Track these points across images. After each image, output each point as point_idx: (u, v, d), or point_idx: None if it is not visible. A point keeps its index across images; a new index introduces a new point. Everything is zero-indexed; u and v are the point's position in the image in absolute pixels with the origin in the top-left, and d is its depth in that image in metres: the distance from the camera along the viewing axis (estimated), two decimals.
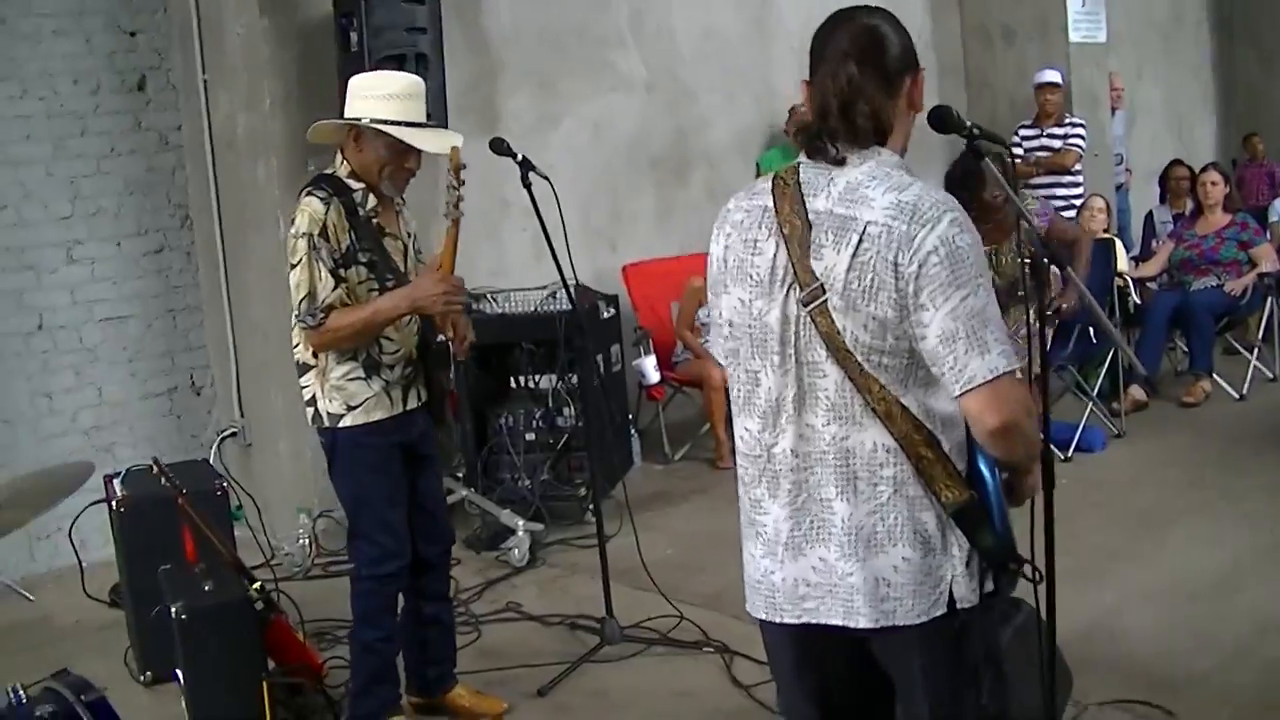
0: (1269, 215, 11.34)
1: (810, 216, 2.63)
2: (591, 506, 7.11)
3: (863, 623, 2.69)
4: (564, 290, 5.45)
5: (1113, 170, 11.75)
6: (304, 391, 4.59)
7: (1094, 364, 8.61)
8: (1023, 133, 10.56)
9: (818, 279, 2.60)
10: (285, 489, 7.12)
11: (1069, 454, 7.91)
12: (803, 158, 2.73)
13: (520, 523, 6.85)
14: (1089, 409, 8.27)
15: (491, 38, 8.48)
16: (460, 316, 4.70)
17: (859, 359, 2.60)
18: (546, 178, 5.12)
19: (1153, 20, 13.65)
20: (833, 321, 2.60)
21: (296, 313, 4.42)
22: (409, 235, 4.69)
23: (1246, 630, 5.32)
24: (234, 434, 7.44)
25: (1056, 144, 10.42)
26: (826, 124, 2.67)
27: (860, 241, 2.57)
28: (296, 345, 4.59)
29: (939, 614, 2.68)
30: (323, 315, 4.37)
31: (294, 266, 4.40)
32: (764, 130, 10.23)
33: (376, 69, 5.81)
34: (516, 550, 6.74)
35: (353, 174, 4.49)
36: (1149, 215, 11.72)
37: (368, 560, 4.59)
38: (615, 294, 8.13)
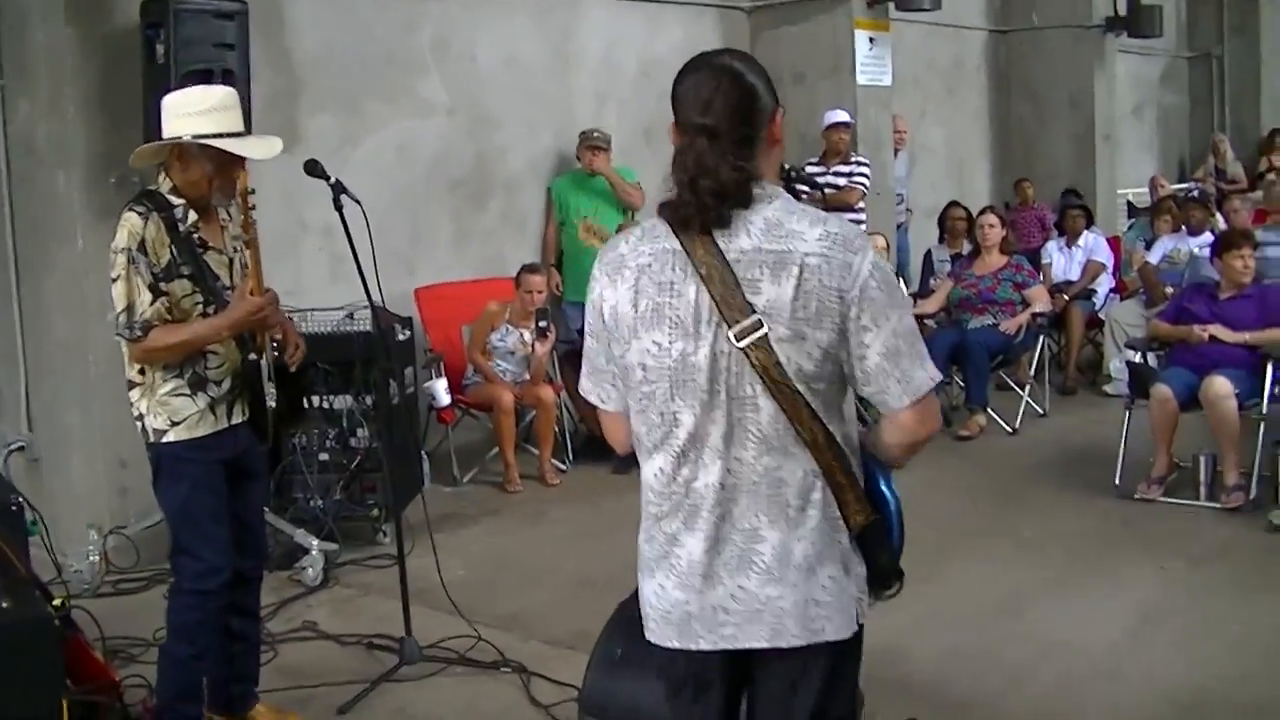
0: (1042, 257, 11.85)
1: (730, 256, 2.70)
2: (383, 528, 7.23)
3: (795, 641, 2.80)
4: (369, 312, 5.51)
5: (894, 209, 12.17)
6: (132, 408, 4.58)
7: None
8: (809, 169, 10.84)
9: (755, 313, 2.67)
10: (74, 505, 6.98)
11: None
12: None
13: (314, 542, 6.86)
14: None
15: (295, 57, 8.48)
16: (285, 326, 4.80)
17: (799, 388, 2.70)
18: (358, 201, 5.19)
19: (936, 66, 14.17)
20: (770, 353, 2.67)
21: (116, 326, 4.42)
22: (234, 248, 4.69)
23: (1028, 653, 5.61)
24: (21, 448, 7.26)
25: (841, 181, 10.75)
26: (707, 189, 2.70)
27: (801, 273, 2.67)
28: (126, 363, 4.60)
29: (853, 630, 2.85)
30: (141, 331, 4.37)
31: (114, 280, 4.39)
32: (559, 157, 10.36)
33: (182, 83, 5.80)
34: (310, 569, 6.74)
35: (174, 190, 4.51)
36: (928, 254, 12.19)
37: (190, 575, 4.57)
38: (409, 316, 8.15)
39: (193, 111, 4.45)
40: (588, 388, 3.02)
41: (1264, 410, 7.68)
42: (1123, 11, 14.95)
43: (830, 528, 2.80)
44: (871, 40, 11.73)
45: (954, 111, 14.71)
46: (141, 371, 4.53)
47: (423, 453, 8.23)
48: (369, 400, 7.29)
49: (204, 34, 6.58)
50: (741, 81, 2.77)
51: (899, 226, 12.44)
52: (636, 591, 3.30)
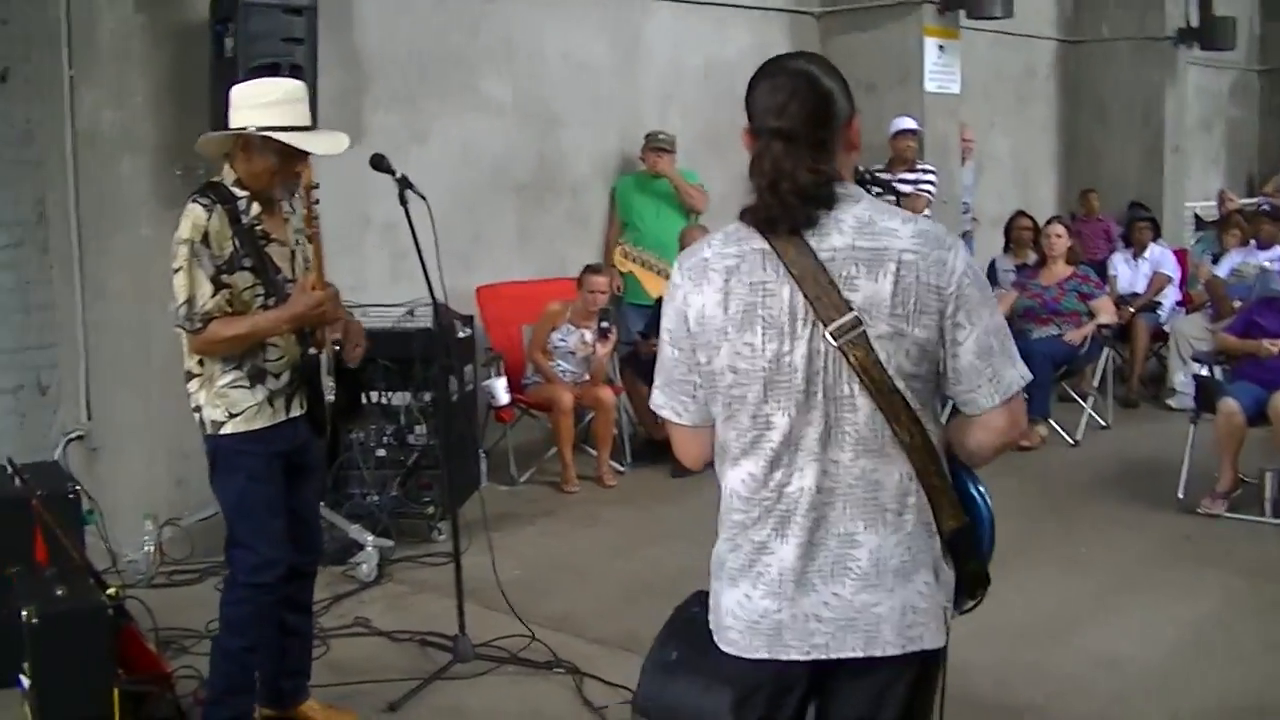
0: (1108, 269, 11.74)
1: (822, 255, 2.66)
2: (439, 525, 7.21)
3: (890, 650, 2.73)
4: (430, 308, 5.50)
5: (960, 218, 12.06)
6: (190, 399, 4.59)
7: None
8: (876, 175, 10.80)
9: (853, 311, 2.64)
10: (132, 495, 6.99)
11: None
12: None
13: (369, 538, 6.85)
14: None
15: (363, 54, 8.50)
16: (349, 323, 4.80)
17: (899, 385, 2.66)
18: (423, 196, 5.18)
19: (1004, 75, 14.05)
20: (869, 351, 2.63)
21: (176, 317, 4.43)
22: (296, 241, 4.69)
23: (1086, 666, 5.56)
24: (80, 437, 7.30)
25: (907, 189, 10.63)
26: (788, 191, 2.67)
27: (899, 269, 2.64)
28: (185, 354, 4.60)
29: (945, 639, 2.80)
30: (201, 323, 4.38)
31: (176, 272, 4.40)
32: (624, 158, 10.34)
33: (250, 76, 5.81)
34: (365, 565, 6.74)
35: (238, 182, 4.51)
36: (992, 263, 12.07)
37: (246, 568, 4.57)
38: (470, 314, 8.15)
39: (260, 103, 4.45)
40: (660, 401, 2.93)
41: None
42: (1195, 23, 14.79)
43: (925, 532, 2.75)
44: (941, 48, 11.64)
45: (1021, 121, 14.58)
46: (200, 363, 4.53)
47: (480, 451, 8.23)
48: (428, 397, 7.29)
49: (272, 28, 6.60)
50: (818, 85, 2.73)
51: (964, 235, 12.32)
52: (695, 595, 3.28)
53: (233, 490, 4.59)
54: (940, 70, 11.67)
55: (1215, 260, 11.33)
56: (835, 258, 2.65)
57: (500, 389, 8.25)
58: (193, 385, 4.57)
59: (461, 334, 7.61)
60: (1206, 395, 8.10)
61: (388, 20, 8.66)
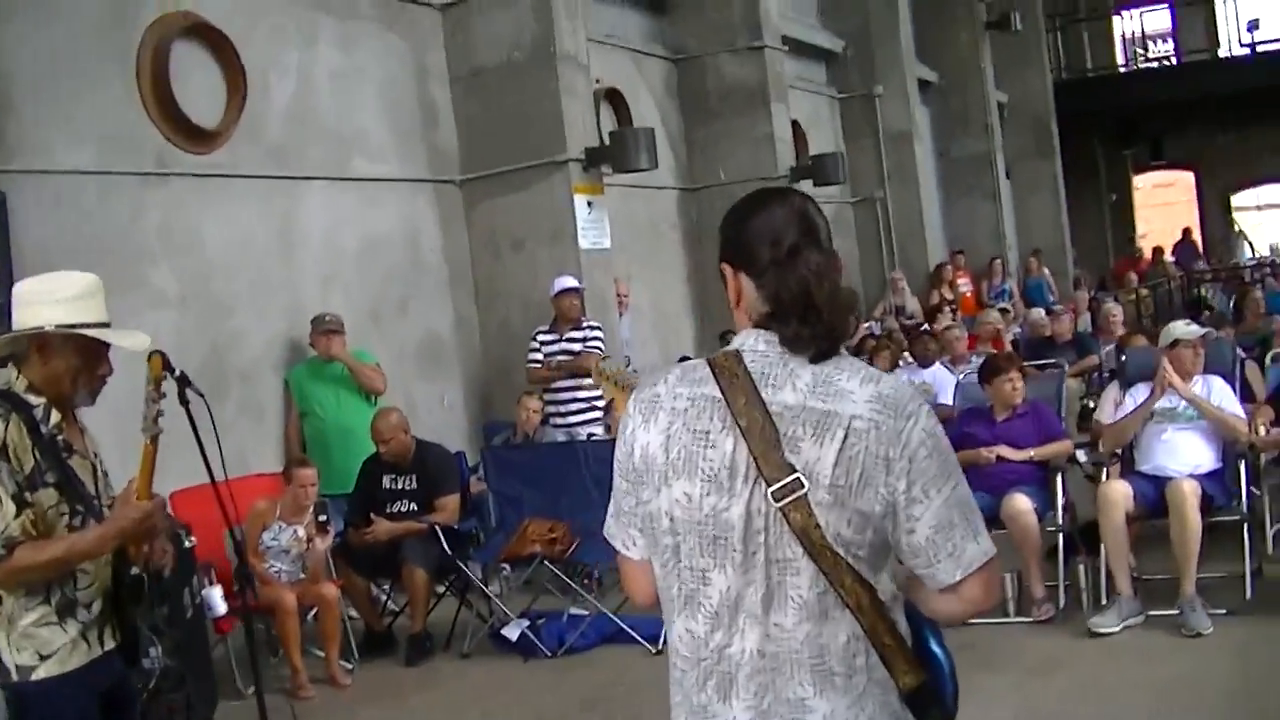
0: None
1: (773, 409, 2.52)
2: None
3: None
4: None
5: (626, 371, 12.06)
6: None
7: None
8: (541, 338, 10.70)
9: (794, 473, 2.49)
10: None
11: (660, 646, 7.98)
12: (751, 344, 2.63)
13: None
14: None
15: (25, 252, 7.84)
16: (159, 540, 4.26)
17: (840, 552, 2.50)
18: (202, 395, 4.73)
19: (636, 227, 14.24)
20: (810, 516, 2.49)
21: None
22: (95, 454, 4.19)
23: None
24: None
25: (576, 347, 10.58)
26: (807, 317, 2.58)
27: (846, 437, 2.50)
28: None
29: None
30: (2, 549, 3.81)
31: None
32: (291, 344, 9.92)
33: None
34: None
35: (30, 388, 4.01)
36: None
37: None
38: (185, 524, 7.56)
39: (58, 299, 4.01)
40: (612, 531, 2.80)
41: (1059, 522, 7.85)
42: (805, 162, 15.47)
43: (880, 690, 2.59)
44: (590, 204, 11.72)
45: (656, 270, 14.81)
46: None
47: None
48: (161, 614, 6.67)
49: None
50: (807, 214, 2.69)
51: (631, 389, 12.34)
52: None
53: None
54: (591, 226, 11.73)
55: None
56: (785, 414, 2.53)
57: (217, 598, 7.65)
58: None
59: (188, 543, 7.03)
60: None
61: (45, 213, 8.06)
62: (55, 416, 4.03)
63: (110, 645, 4.16)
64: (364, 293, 10.58)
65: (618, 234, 13.17)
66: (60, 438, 4.04)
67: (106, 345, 4.13)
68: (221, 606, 7.68)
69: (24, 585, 3.91)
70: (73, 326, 3.98)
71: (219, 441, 4.75)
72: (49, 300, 4.01)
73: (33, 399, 3.99)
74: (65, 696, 3.98)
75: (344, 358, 9.56)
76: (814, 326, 2.56)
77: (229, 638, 8.04)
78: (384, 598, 9.15)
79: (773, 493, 2.49)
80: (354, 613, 8.78)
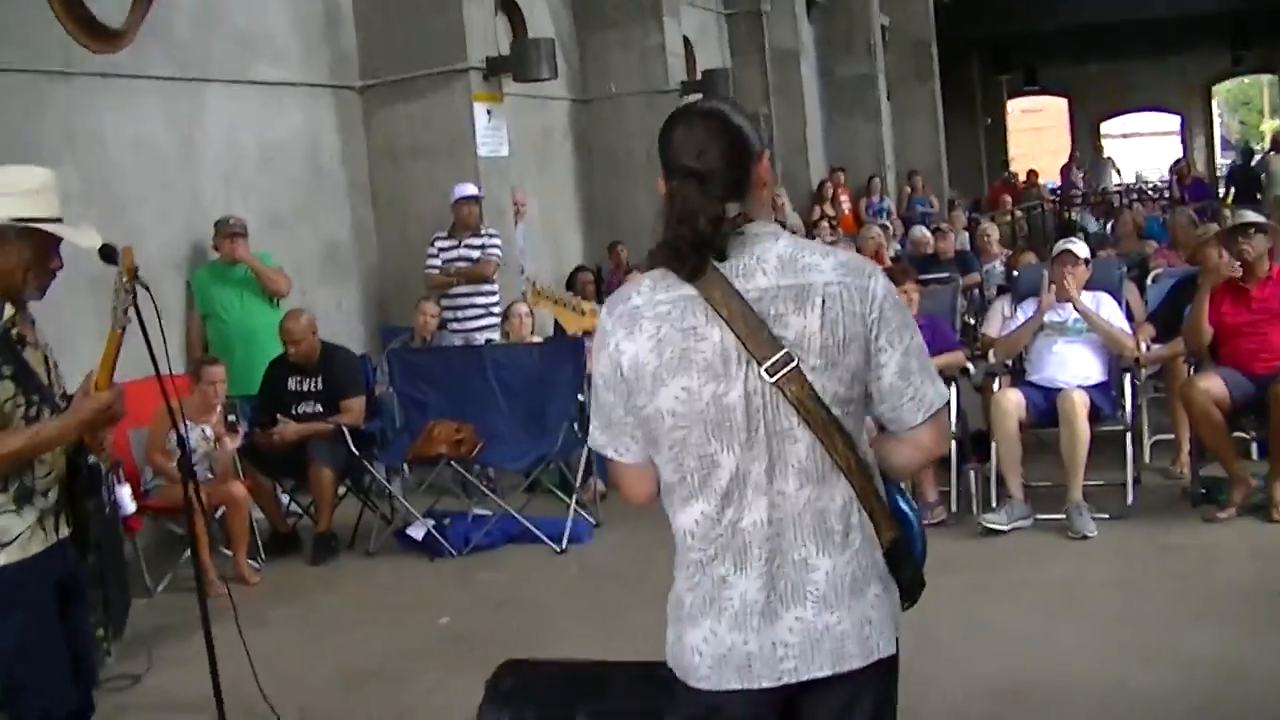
0: None
1: (749, 296, 2.73)
2: (109, 648, 6.64)
3: (856, 663, 2.82)
4: None
5: (518, 279, 12.18)
6: None
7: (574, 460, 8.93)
8: (440, 244, 10.83)
9: (783, 348, 2.71)
10: None
11: (564, 546, 8.27)
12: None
13: None
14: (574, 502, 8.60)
15: None
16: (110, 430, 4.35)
17: (836, 413, 2.75)
18: (148, 288, 4.75)
19: (528, 137, 14.30)
20: (804, 385, 2.72)
21: None
22: (45, 345, 4.26)
23: None
24: None
25: (475, 254, 10.73)
26: (695, 231, 2.76)
27: (824, 301, 2.73)
28: None
29: (895, 643, 2.90)
30: None
31: None
32: (192, 246, 9.92)
33: None
34: None
35: None
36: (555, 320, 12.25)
37: (37, 713, 4.07)
38: None
39: (14, 191, 4.02)
40: (602, 441, 2.98)
41: (952, 429, 8.09)
42: (697, 76, 15.66)
43: (870, 547, 2.86)
44: (489, 113, 11.77)
45: (545, 181, 14.90)
46: None
47: None
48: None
49: None
50: (729, 124, 2.84)
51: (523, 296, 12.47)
52: (505, 664, 3.81)
53: (11, 630, 4.02)
54: (490, 135, 11.80)
55: None
56: (763, 297, 2.75)
57: (126, 497, 7.69)
58: None
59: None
60: None
61: None
62: (9, 310, 4.06)
63: (64, 534, 4.21)
64: (264, 197, 10.57)
65: (511, 143, 13.27)
66: (14, 330, 4.09)
67: (58, 241, 4.15)
68: (130, 505, 7.72)
69: None
70: (27, 220, 4.00)
71: (164, 337, 4.73)
72: (6, 193, 4.02)
73: None
74: (24, 583, 4.04)
75: (248, 260, 9.58)
76: (684, 247, 2.77)
77: (137, 537, 8.11)
78: (287, 499, 9.24)
79: (766, 369, 2.72)
80: (258, 514, 8.87)
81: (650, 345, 2.79)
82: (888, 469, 2.96)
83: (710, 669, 2.85)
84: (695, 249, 2.74)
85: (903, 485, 3.14)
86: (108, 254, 4.47)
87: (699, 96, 14.85)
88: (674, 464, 2.83)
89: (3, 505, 4.02)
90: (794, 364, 2.72)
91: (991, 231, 15.33)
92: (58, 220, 4.12)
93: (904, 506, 2.99)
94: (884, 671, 2.89)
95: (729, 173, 2.79)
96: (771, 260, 2.77)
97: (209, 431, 8.25)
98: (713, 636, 2.84)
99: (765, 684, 2.82)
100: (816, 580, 2.80)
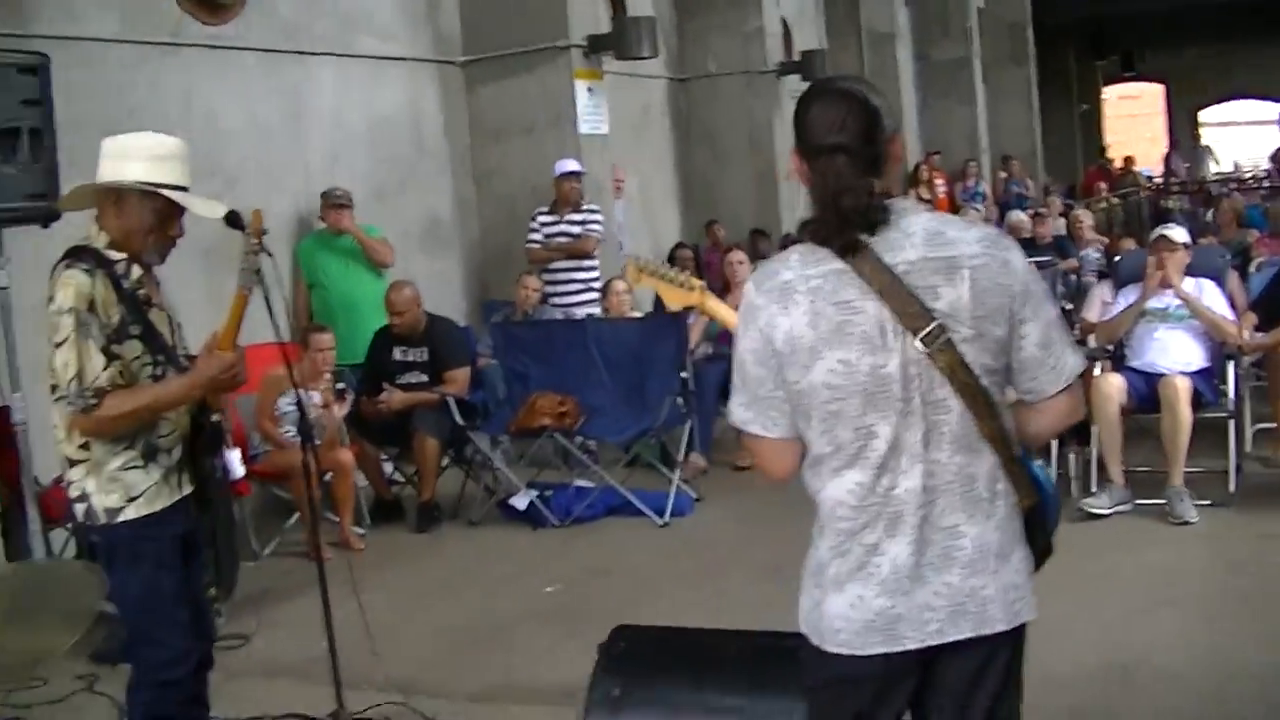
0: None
1: (900, 269, 2.78)
2: (220, 608, 6.77)
3: (1000, 627, 2.88)
4: None
5: (619, 255, 12.23)
6: (72, 488, 4.16)
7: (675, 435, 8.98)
8: (541, 219, 10.87)
9: (935, 319, 2.76)
10: None
11: (666, 519, 8.32)
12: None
13: None
14: (678, 476, 8.66)
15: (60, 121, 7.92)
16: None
17: (984, 383, 2.82)
18: (271, 255, 4.83)
19: (626, 115, 14.34)
20: (955, 354, 2.78)
21: (65, 396, 4.02)
22: (170, 306, 4.39)
23: None
24: None
25: (576, 230, 10.77)
26: (850, 206, 2.81)
27: (972, 273, 2.79)
28: (60, 439, 4.17)
29: (1034, 611, 2.96)
30: (93, 399, 4.00)
31: (59, 345, 4.01)
32: (299, 218, 10.08)
33: None
34: None
35: (112, 244, 4.16)
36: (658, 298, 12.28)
37: (158, 664, 4.20)
38: None
39: (147, 156, 4.15)
40: (747, 418, 3.00)
41: None
42: (795, 57, 15.67)
43: (1013, 514, 2.92)
44: (590, 90, 11.84)
45: (641, 159, 14.92)
46: (85, 446, 4.12)
47: None
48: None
49: (8, 90, 6.09)
50: (868, 104, 2.88)
51: (622, 273, 12.52)
52: (617, 630, 3.83)
53: (137, 582, 4.16)
54: (591, 112, 11.86)
55: None
56: (911, 270, 2.80)
57: (235, 461, 7.81)
58: (76, 473, 4.15)
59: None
60: None
61: (72, 77, 8.13)
62: (136, 271, 4.19)
63: (187, 491, 4.33)
64: (368, 171, 10.69)
65: (609, 121, 13.33)
66: (141, 292, 4.21)
67: (182, 210, 4.26)
68: (239, 470, 7.84)
69: (110, 434, 4.10)
70: (154, 186, 4.11)
71: (285, 305, 4.82)
72: (140, 158, 4.13)
73: (114, 255, 4.14)
74: (151, 536, 4.18)
75: (353, 230, 9.70)
76: (837, 223, 2.83)
77: (244, 501, 8.25)
78: (391, 468, 9.36)
79: (920, 340, 2.77)
80: (362, 481, 8.99)
81: (806, 319, 2.83)
82: (1024, 438, 3.00)
83: (853, 634, 2.89)
84: (848, 224, 2.79)
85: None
86: (233, 219, 4.54)
87: (797, 77, 14.99)
88: (827, 436, 2.88)
89: (131, 461, 4.15)
90: (946, 335, 2.77)
91: (1085, 218, 15.19)
92: (184, 189, 4.22)
93: (1039, 475, 3.03)
94: (1018, 637, 2.94)
95: (869, 150, 2.83)
96: (918, 234, 2.81)
97: (317, 398, 8.36)
98: (860, 602, 2.88)
99: (910, 646, 2.87)
100: (964, 546, 2.85)
